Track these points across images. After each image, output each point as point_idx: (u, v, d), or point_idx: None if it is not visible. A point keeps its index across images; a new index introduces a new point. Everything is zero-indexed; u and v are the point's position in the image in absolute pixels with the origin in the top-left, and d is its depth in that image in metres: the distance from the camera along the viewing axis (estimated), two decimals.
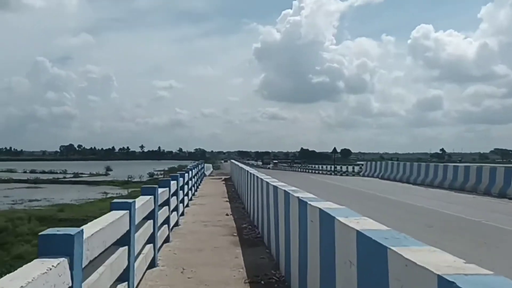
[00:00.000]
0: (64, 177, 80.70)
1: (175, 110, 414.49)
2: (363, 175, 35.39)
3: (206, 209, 14.04)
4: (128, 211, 4.27)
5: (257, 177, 9.92)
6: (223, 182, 27.48)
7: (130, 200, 4.62)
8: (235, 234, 9.48)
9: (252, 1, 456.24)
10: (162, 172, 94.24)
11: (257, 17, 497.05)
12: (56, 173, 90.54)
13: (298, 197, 4.85)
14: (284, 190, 5.80)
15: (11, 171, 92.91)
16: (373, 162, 37.89)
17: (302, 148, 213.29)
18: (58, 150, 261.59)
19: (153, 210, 6.36)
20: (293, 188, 5.99)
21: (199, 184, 23.32)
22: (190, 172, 15.01)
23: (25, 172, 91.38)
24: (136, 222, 4.83)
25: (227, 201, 16.40)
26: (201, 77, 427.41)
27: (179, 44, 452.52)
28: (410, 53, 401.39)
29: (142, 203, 5.46)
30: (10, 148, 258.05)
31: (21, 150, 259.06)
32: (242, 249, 7.92)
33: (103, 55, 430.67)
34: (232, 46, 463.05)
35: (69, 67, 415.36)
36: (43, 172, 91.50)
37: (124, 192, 53.58)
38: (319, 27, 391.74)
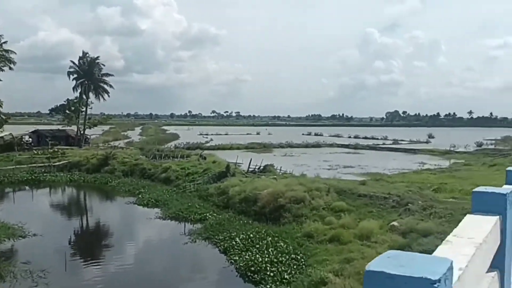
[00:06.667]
0: (383, 144, 79.87)
1: (511, 70, 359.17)
2: None
3: None
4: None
5: None
6: None
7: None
8: None
9: None
10: (493, 142, 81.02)
11: None
12: (377, 139, 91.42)
13: None
14: None
15: (337, 136, 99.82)
16: None
17: None
18: (384, 117, 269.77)
19: None
20: None
21: None
22: None
23: (349, 137, 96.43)
24: None
25: None
26: None
27: None
28: None
29: None
30: (342, 114, 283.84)
31: (351, 116, 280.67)
32: None
33: (430, 19, 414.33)
34: None
35: (396, 35, 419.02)
36: (365, 138, 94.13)
37: (445, 163, 47.27)
38: None
